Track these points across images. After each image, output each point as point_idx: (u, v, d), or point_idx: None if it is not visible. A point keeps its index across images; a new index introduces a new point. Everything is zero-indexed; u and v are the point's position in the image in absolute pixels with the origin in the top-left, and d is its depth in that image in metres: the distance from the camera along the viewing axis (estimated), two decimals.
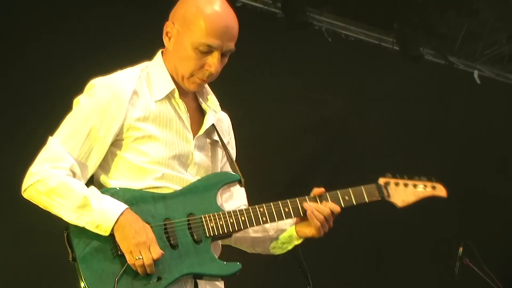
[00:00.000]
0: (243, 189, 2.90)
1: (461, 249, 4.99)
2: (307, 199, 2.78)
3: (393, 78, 7.68)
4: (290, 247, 2.88)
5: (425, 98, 7.77)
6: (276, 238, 2.87)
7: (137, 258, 2.51)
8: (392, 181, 2.90)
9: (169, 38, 2.72)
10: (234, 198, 2.90)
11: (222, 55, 2.68)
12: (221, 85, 2.93)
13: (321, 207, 2.76)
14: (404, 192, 2.90)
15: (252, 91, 6.83)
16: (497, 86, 8.34)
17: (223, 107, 2.94)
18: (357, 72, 7.56)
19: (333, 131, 7.50)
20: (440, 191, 2.96)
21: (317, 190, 2.81)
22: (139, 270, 2.53)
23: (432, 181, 2.96)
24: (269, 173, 6.67)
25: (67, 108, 2.74)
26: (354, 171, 6.64)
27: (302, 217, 2.79)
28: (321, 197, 2.79)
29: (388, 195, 2.88)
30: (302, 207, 2.77)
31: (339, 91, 7.52)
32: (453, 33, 7.83)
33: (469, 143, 7.79)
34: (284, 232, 2.86)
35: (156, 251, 2.54)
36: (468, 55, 8.26)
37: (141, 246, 2.52)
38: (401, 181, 2.91)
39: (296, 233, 2.83)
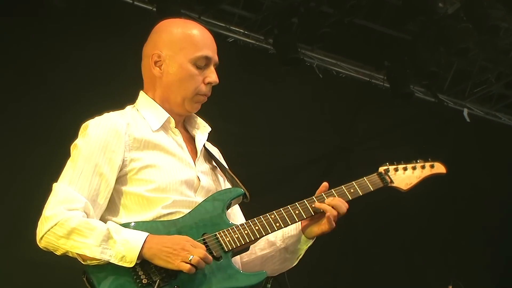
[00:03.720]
0: (238, 207, 2.86)
1: None
2: (315, 199, 2.75)
3: (383, 114, 7.73)
4: (302, 252, 2.83)
5: (414, 135, 7.81)
6: (285, 248, 2.82)
7: (190, 258, 2.46)
8: (391, 167, 2.90)
9: (160, 67, 2.72)
10: (232, 219, 2.83)
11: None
12: (212, 120, 2.95)
13: (334, 201, 2.73)
14: (406, 176, 2.91)
15: (243, 127, 6.86)
16: (486, 124, 8.40)
17: (219, 142, 2.95)
18: (347, 108, 7.60)
19: (323, 168, 7.50)
20: (439, 168, 2.96)
21: (322, 187, 2.79)
22: (200, 267, 2.48)
23: (429, 161, 2.96)
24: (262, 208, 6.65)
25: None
26: None
27: (311, 219, 2.75)
28: (327, 194, 2.77)
29: (391, 181, 2.88)
30: (312, 207, 2.73)
31: (330, 127, 7.55)
32: (443, 71, 7.91)
33: (457, 181, 7.81)
34: (292, 238, 2.81)
35: (200, 245, 2.52)
36: (458, 94, 8.33)
37: (185, 248, 2.48)
38: (399, 166, 2.91)
39: (305, 235, 2.79)
